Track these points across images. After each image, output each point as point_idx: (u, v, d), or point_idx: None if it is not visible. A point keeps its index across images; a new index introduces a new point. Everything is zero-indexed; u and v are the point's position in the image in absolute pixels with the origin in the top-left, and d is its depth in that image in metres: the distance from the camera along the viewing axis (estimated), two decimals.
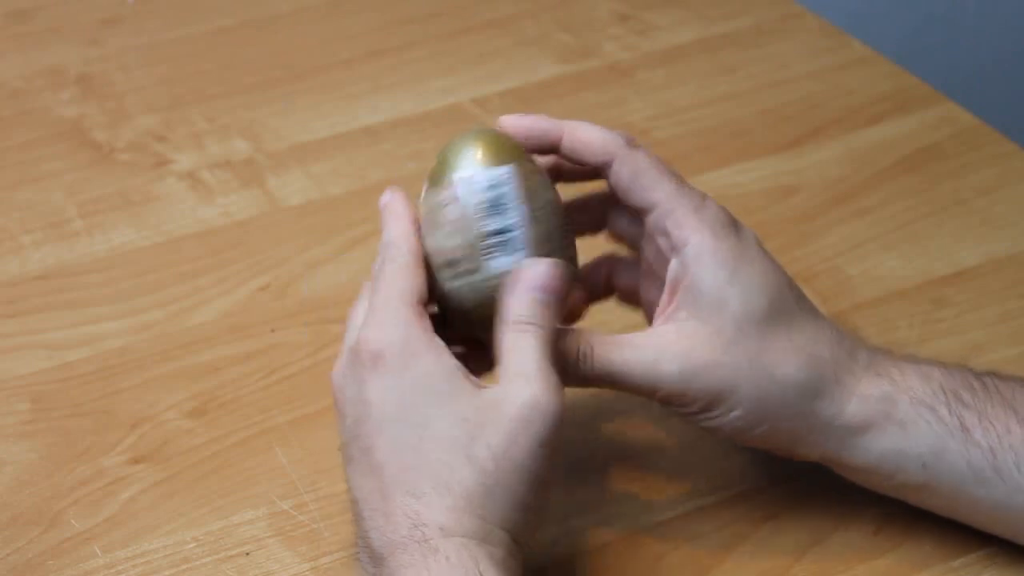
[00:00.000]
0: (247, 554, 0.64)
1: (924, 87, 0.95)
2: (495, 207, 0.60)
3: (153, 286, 0.79)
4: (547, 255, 0.60)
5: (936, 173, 0.88)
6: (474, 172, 0.60)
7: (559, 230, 0.61)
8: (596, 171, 0.63)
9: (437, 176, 0.61)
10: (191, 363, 0.74)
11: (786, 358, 0.60)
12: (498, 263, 0.60)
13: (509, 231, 0.60)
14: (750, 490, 0.67)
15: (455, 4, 1.04)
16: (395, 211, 0.62)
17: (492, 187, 0.60)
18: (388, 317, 0.58)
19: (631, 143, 0.62)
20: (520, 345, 0.57)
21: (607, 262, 0.68)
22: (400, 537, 0.55)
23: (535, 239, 0.60)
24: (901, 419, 0.61)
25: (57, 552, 0.64)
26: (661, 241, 0.62)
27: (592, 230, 0.67)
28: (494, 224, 0.60)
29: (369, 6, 1.04)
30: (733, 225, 0.62)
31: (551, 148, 0.63)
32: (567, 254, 0.61)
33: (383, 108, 0.94)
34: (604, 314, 0.68)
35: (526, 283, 0.58)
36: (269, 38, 1.01)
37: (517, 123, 0.63)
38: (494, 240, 0.60)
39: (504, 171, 0.60)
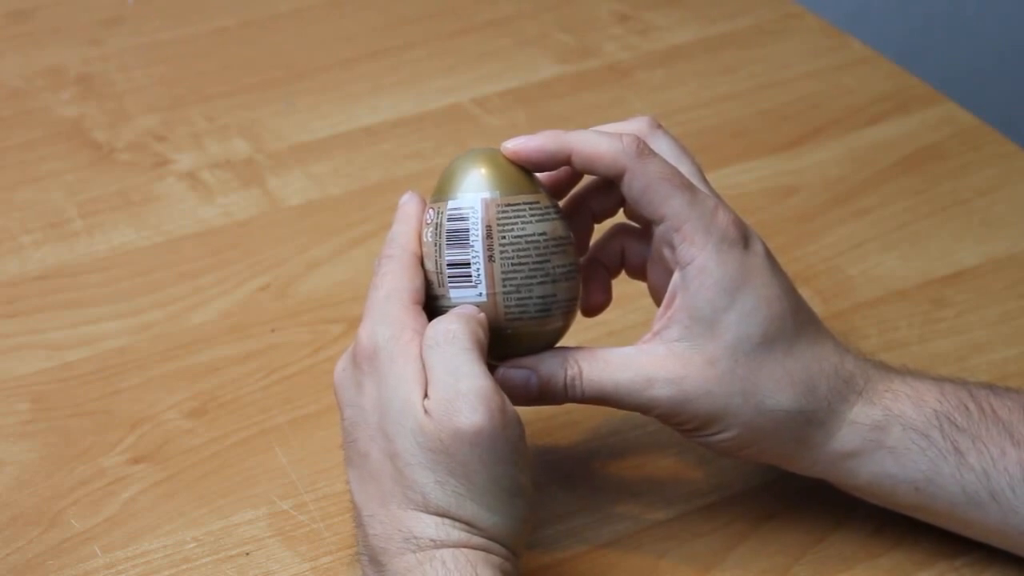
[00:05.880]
0: (247, 554, 0.64)
1: (924, 87, 0.95)
2: (456, 239, 0.59)
3: (153, 286, 0.79)
4: (512, 292, 0.59)
5: (936, 173, 0.88)
6: (448, 200, 0.60)
7: (538, 267, 0.59)
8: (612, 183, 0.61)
9: (433, 193, 0.61)
10: (191, 363, 0.74)
11: (779, 387, 0.60)
12: (458, 294, 0.59)
13: (467, 265, 0.59)
14: (750, 490, 0.67)
15: (455, 4, 1.04)
16: (406, 212, 0.62)
17: (455, 219, 0.59)
18: (381, 316, 0.58)
19: (642, 152, 0.60)
20: (445, 358, 0.56)
21: (620, 236, 0.65)
22: (397, 545, 0.56)
23: (495, 276, 0.59)
24: (892, 446, 0.60)
25: (57, 552, 0.64)
26: (667, 252, 0.61)
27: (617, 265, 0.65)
28: (453, 256, 0.59)
29: (369, 6, 1.04)
30: (742, 241, 0.60)
31: (563, 165, 0.61)
32: (543, 291, 0.60)
33: (383, 108, 0.94)
34: (604, 314, 0.68)
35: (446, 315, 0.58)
36: (269, 38, 1.01)
37: (519, 149, 0.60)
38: (454, 271, 0.59)
39: (470, 203, 0.59)
